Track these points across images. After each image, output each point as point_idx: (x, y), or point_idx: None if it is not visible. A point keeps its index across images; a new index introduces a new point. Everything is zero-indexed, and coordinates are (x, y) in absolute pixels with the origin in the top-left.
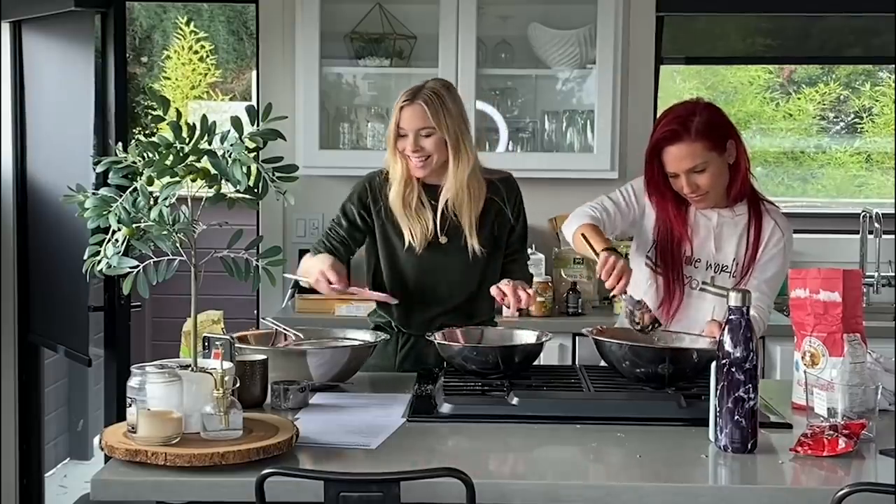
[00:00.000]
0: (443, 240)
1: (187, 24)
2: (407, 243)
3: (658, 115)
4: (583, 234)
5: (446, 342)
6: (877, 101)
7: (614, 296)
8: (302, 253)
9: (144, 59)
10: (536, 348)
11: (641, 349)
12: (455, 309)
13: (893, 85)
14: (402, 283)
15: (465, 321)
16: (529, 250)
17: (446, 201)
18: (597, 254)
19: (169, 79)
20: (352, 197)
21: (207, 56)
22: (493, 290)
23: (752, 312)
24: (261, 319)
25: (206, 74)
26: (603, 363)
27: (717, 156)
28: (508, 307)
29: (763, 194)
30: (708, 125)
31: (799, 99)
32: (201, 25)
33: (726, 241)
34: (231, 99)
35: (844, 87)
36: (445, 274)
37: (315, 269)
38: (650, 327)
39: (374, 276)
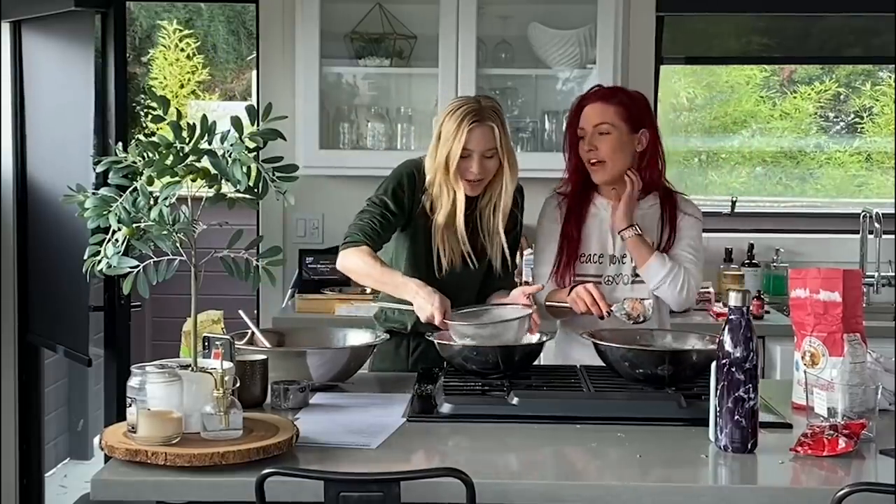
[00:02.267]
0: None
1: (169, 22)
2: (437, 263)
3: None
4: (548, 303)
5: (446, 342)
6: (877, 100)
7: (609, 313)
8: (302, 253)
9: (144, 59)
10: (536, 348)
11: (639, 352)
12: None
13: (894, 84)
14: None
15: None
16: (529, 250)
17: (490, 215)
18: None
19: (156, 78)
20: (400, 182)
21: (194, 54)
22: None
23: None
24: (239, 311)
25: (193, 73)
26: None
27: (626, 129)
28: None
29: (674, 188)
30: (630, 101)
31: (796, 97)
32: (200, 25)
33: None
34: (230, 98)
35: (843, 86)
36: (466, 285)
37: (431, 306)
38: (641, 319)
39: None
